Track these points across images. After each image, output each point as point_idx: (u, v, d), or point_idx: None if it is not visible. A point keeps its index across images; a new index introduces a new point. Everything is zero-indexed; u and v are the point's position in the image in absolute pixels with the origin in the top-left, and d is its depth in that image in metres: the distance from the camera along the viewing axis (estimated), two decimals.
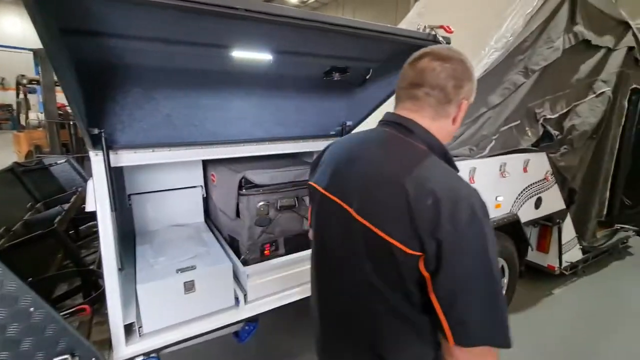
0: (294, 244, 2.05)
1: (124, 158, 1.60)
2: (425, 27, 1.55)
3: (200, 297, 1.67)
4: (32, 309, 1.15)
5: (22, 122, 8.37)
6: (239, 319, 1.78)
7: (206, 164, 2.40)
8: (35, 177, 2.76)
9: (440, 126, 0.86)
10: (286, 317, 2.69)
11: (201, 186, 2.41)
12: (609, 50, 3.03)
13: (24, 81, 7.87)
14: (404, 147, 0.84)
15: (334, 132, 2.34)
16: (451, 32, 1.56)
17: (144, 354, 1.55)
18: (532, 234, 3.17)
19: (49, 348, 1.19)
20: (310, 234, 1.09)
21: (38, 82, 6.77)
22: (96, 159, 1.45)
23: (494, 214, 2.49)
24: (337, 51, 1.75)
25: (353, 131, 2.34)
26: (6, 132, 13.91)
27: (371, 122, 2.19)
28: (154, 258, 1.78)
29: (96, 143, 1.47)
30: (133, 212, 2.20)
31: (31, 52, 6.59)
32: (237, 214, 1.93)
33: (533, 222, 2.93)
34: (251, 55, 1.65)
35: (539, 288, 3.26)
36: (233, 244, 2.06)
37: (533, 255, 3.19)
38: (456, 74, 0.83)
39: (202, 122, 1.83)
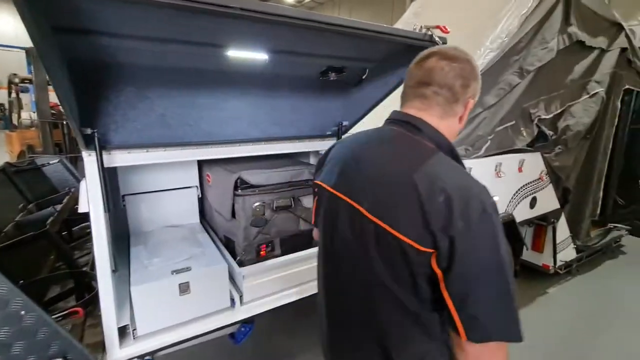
0: (290, 244, 2.03)
1: (118, 158, 1.58)
2: (421, 27, 1.55)
3: (196, 299, 1.65)
4: (23, 312, 1.13)
5: (15, 121, 8.27)
6: (235, 320, 1.77)
7: (201, 164, 2.38)
8: (27, 177, 2.73)
9: (448, 125, 0.88)
10: (282, 318, 2.69)
11: (196, 187, 2.39)
12: (603, 51, 3.07)
13: (16, 80, 7.76)
14: (413, 145, 0.85)
15: (330, 132, 2.33)
16: (447, 32, 1.56)
17: (138, 357, 1.53)
18: (527, 234, 3.19)
19: (40, 352, 1.17)
20: (315, 233, 1.10)
21: (30, 81, 6.71)
22: (89, 160, 1.44)
23: None
24: (334, 51, 1.74)
25: (349, 131, 2.34)
26: None
27: (367, 122, 2.18)
28: (148, 259, 1.76)
29: (89, 143, 1.45)
30: (127, 212, 2.17)
31: (23, 51, 6.51)
32: (233, 215, 1.92)
33: (528, 222, 2.95)
34: (247, 54, 1.63)
35: (533, 287, 3.29)
36: (229, 244, 2.04)
37: (528, 255, 3.22)
38: (464, 74, 0.84)
39: (197, 121, 1.81)
